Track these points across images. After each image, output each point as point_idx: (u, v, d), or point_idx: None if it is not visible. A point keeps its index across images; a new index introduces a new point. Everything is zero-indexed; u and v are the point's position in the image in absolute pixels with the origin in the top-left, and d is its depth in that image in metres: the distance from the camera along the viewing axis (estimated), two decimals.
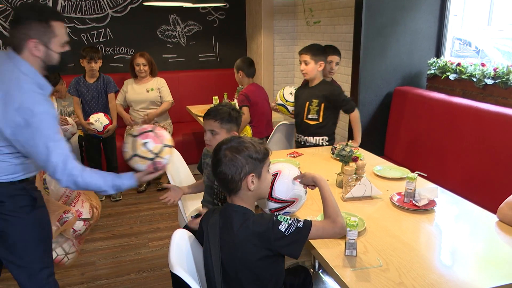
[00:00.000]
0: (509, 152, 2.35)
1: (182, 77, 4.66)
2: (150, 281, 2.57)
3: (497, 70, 2.63)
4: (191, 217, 2.02)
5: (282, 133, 3.19)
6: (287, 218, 1.35)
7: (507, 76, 2.56)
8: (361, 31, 3.17)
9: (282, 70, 4.68)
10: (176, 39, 4.74)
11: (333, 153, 2.43)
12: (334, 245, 1.50)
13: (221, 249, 1.36)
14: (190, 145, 4.16)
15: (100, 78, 3.71)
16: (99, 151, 3.76)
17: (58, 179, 1.55)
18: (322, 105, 2.74)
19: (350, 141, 2.18)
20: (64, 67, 1.68)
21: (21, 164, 1.63)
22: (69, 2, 4.28)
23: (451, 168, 2.71)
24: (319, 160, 2.49)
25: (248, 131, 3.45)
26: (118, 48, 4.56)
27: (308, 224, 1.36)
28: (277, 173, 1.61)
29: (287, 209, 1.64)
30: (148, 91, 3.95)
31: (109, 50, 4.54)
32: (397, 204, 1.82)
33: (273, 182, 1.59)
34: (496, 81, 2.63)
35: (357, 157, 2.02)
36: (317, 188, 1.55)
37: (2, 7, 4.08)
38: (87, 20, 4.39)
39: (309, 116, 2.78)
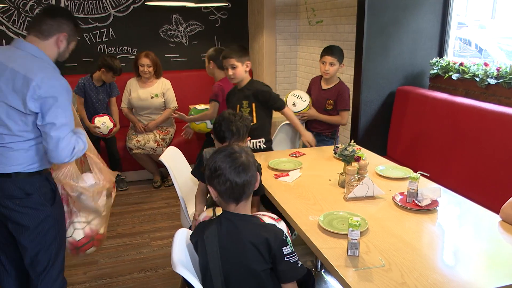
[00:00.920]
0: None
1: (184, 76, 4.65)
2: (152, 280, 2.58)
3: (500, 69, 2.62)
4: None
5: (285, 133, 3.19)
6: (292, 245, 1.36)
7: (510, 76, 2.55)
8: (364, 30, 3.17)
9: (285, 70, 4.68)
10: (178, 39, 4.74)
11: (335, 153, 2.42)
12: (336, 244, 1.50)
13: (223, 259, 1.35)
14: (192, 144, 4.16)
15: (105, 83, 3.86)
16: (98, 145, 3.81)
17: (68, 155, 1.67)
18: (253, 105, 2.64)
19: (353, 140, 2.18)
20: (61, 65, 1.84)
21: (43, 153, 1.70)
22: (72, 1, 4.28)
23: (454, 168, 2.71)
24: (321, 159, 2.49)
25: (202, 126, 3.40)
26: (120, 48, 4.56)
27: (303, 270, 1.37)
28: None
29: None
30: (153, 97, 3.92)
31: (111, 49, 4.54)
32: (399, 204, 1.82)
33: None
34: (499, 81, 2.62)
35: (360, 157, 2.01)
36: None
37: (5, 6, 4.09)
38: (89, 20, 4.39)
39: None
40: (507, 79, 2.56)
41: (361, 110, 3.35)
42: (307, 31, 4.34)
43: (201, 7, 4.64)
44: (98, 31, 4.45)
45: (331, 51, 2.98)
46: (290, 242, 1.37)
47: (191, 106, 3.61)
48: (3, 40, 4.18)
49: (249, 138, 2.50)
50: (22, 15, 4.18)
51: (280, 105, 2.66)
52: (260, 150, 2.67)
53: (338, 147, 2.32)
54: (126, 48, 4.58)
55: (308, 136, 2.71)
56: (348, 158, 2.04)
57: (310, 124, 3.21)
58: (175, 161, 2.47)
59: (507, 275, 1.33)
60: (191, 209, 2.34)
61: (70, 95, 1.71)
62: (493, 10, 3.77)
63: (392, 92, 3.36)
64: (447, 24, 3.26)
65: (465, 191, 2.29)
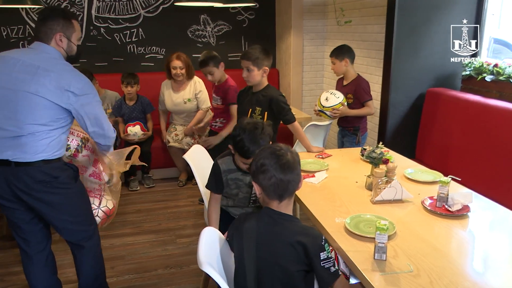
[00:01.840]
0: None
1: None
2: (177, 277, 2.61)
3: None
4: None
5: (311, 134, 3.17)
6: (329, 250, 1.37)
7: None
8: (393, 30, 3.11)
9: (311, 70, 4.65)
10: (206, 39, 4.78)
11: (362, 155, 2.39)
12: (363, 248, 1.48)
13: (259, 255, 1.36)
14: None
15: (138, 100, 4.03)
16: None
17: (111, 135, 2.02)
18: (266, 113, 2.57)
19: (381, 143, 2.14)
20: (79, 58, 2.05)
21: (65, 140, 1.93)
22: (104, 2, 4.39)
23: (486, 173, 2.62)
24: (348, 161, 2.46)
25: None
26: (149, 48, 4.64)
27: (336, 276, 1.39)
28: None
29: None
30: (186, 102, 3.92)
31: (140, 49, 4.63)
32: (429, 208, 1.78)
33: None
34: None
35: (388, 160, 1.98)
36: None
37: (41, 7, 4.22)
38: (120, 20, 4.49)
39: None
40: None
41: (389, 112, 3.29)
42: (335, 31, 4.29)
43: (228, 7, 4.66)
44: (128, 31, 4.54)
45: (333, 52, 3.22)
46: (328, 247, 1.37)
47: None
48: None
49: None
50: None
51: (290, 118, 2.57)
52: None
53: (365, 149, 2.29)
54: (154, 48, 4.66)
55: (317, 149, 2.64)
56: (376, 160, 2.01)
57: (339, 120, 3.31)
58: (199, 159, 2.48)
59: None
60: None
61: (95, 89, 1.94)
62: None
63: (422, 93, 3.28)
64: (481, 23, 3.16)
65: (497, 196, 2.21)
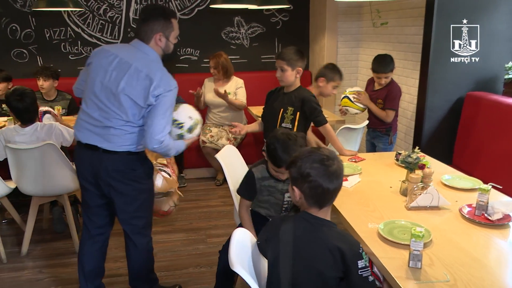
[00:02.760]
0: None
1: (244, 78, 4.68)
2: (207, 276, 2.64)
3: None
4: None
5: (344, 137, 3.12)
6: (367, 259, 1.35)
7: None
8: (432, 32, 3.03)
9: (345, 72, 4.55)
10: (239, 41, 4.81)
11: (397, 160, 2.34)
12: (397, 255, 1.45)
13: (295, 259, 1.35)
14: (249, 144, 4.21)
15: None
16: None
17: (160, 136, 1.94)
18: (298, 114, 2.55)
19: (417, 147, 2.08)
20: (173, 55, 2.03)
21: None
22: (141, 5, 4.50)
23: None
24: (382, 165, 2.41)
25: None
26: (184, 49, 4.71)
27: (374, 286, 1.36)
28: None
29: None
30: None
31: (175, 51, 4.72)
32: (467, 216, 1.71)
33: None
34: None
35: (424, 165, 1.93)
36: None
37: (82, 10, 4.38)
38: None
39: (283, 125, 2.58)
40: None
41: (426, 116, 3.20)
42: (370, 33, 4.22)
43: (262, 9, 4.68)
44: None
45: (383, 68, 3.14)
46: (366, 256, 1.35)
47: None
48: (78, 41, 4.49)
49: None
50: (96, 18, 4.47)
51: (322, 119, 2.55)
52: None
53: (400, 154, 2.24)
54: (189, 49, 4.73)
55: (350, 152, 2.60)
56: (411, 166, 1.96)
57: (369, 118, 3.32)
58: (231, 159, 2.50)
59: None
60: None
61: (177, 91, 1.97)
62: None
63: (461, 97, 3.17)
64: None
65: None
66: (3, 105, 3.26)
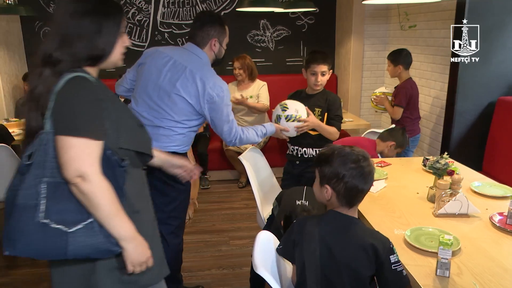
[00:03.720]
0: None
1: (269, 81, 4.69)
2: (229, 278, 2.64)
3: None
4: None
5: None
6: (397, 254, 1.33)
7: None
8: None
9: (371, 76, 4.53)
10: (265, 44, 4.82)
11: (424, 165, 2.29)
12: (424, 262, 1.42)
13: (324, 258, 1.33)
14: (273, 148, 4.21)
15: None
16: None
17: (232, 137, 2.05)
18: (325, 114, 2.53)
19: (446, 153, 2.03)
20: (222, 61, 2.19)
21: (193, 138, 2.10)
22: (168, 9, 4.58)
23: None
24: (408, 171, 2.37)
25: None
26: None
27: (408, 280, 1.33)
28: None
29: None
30: (248, 98, 4.04)
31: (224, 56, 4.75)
32: (497, 225, 1.66)
33: None
34: None
35: (453, 171, 1.88)
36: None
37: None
38: (183, 26, 4.66)
39: None
40: None
41: (455, 121, 3.12)
42: (397, 36, 4.16)
43: (288, 12, 4.67)
44: None
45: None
46: (396, 251, 1.33)
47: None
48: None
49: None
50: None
51: (338, 126, 2.55)
52: None
53: (428, 159, 2.19)
54: None
55: (320, 124, 2.56)
56: (440, 172, 1.91)
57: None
58: (255, 161, 2.50)
59: None
60: (266, 211, 2.36)
61: (229, 94, 2.03)
62: None
63: (492, 102, 3.08)
64: None
65: None
66: None
